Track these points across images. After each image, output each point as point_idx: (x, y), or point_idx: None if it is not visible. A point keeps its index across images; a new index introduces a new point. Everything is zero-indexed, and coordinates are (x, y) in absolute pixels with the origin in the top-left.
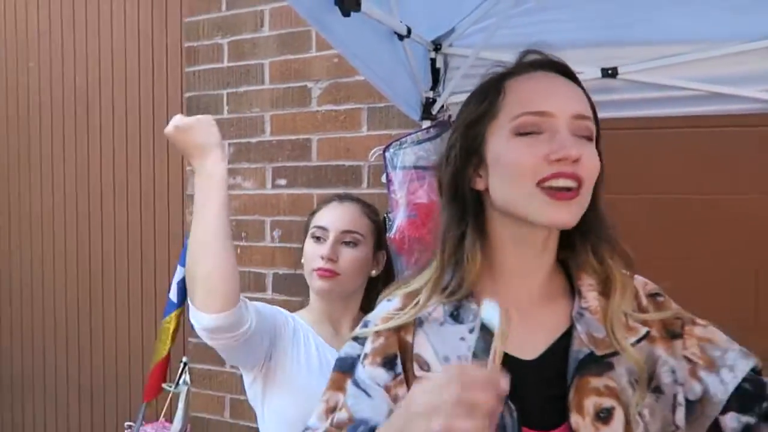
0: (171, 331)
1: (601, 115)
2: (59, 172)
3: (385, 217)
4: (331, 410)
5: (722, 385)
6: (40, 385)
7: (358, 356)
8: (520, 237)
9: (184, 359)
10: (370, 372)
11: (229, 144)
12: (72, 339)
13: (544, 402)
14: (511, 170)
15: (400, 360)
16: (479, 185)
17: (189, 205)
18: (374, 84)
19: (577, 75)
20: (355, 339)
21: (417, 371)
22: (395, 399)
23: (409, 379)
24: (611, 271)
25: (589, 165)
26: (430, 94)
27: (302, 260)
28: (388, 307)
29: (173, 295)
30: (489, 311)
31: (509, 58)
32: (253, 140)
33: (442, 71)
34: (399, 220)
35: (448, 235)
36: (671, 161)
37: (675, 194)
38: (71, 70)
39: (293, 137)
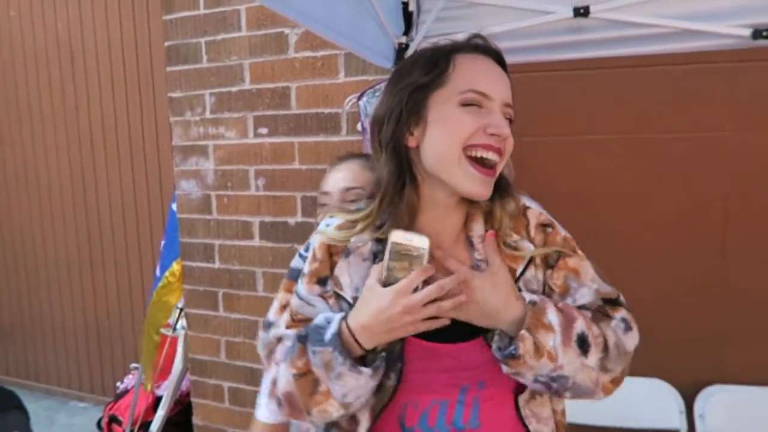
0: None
1: (572, 55)
2: (49, 121)
3: None
4: (284, 307)
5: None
6: (49, 330)
7: (301, 270)
8: (441, 194)
9: (180, 305)
10: (308, 289)
11: (210, 94)
12: (76, 288)
13: (458, 323)
14: (450, 132)
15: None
16: (411, 142)
17: (176, 155)
18: (330, 39)
19: (549, 15)
20: (300, 255)
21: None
22: (331, 306)
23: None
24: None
25: (509, 146)
26: (403, 40)
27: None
28: (331, 222)
29: (158, 271)
30: (417, 240)
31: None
32: (234, 89)
33: (414, 15)
34: None
35: (390, 182)
36: (643, 100)
37: (648, 134)
38: (52, 18)
39: (272, 85)
